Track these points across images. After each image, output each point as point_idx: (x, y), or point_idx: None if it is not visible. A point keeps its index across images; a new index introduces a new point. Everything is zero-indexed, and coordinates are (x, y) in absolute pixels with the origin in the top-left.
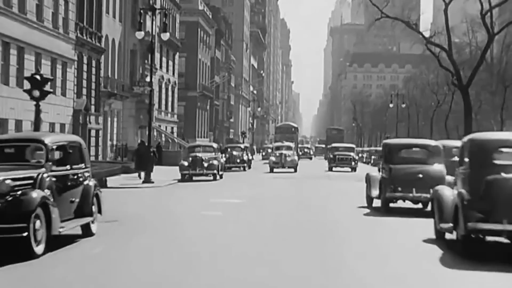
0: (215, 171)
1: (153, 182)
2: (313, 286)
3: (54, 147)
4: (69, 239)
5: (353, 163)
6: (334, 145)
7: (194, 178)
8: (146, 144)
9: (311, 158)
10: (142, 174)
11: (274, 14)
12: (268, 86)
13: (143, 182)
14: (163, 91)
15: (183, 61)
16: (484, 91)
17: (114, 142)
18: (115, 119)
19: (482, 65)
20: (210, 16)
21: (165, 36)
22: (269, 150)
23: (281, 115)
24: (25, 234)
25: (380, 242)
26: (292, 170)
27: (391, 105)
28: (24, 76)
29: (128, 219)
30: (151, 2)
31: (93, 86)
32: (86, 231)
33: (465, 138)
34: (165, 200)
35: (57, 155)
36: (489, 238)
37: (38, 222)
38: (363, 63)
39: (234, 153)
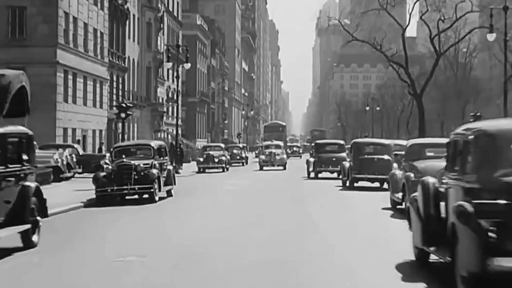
0: (224, 165)
1: (179, 173)
2: (288, 214)
3: None
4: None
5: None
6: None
7: (207, 170)
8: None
9: (300, 157)
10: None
11: (263, 17)
12: (259, 87)
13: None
14: (170, 98)
15: (184, 71)
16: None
17: None
18: (136, 125)
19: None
20: (206, 29)
21: (187, 66)
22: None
23: (271, 114)
24: None
25: (348, 207)
26: (282, 168)
27: (367, 108)
28: (114, 104)
29: (184, 191)
30: (161, 25)
31: (120, 99)
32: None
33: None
34: (199, 182)
35: None
36: None
37: None
38: (350, 64)
39: (235, 151)
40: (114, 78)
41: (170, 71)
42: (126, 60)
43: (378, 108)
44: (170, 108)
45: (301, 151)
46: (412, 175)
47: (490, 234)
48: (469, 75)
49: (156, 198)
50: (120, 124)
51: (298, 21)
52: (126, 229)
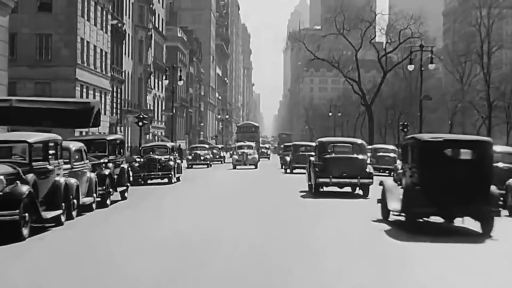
0: (208, 162)
1: None
2: (265, 185)
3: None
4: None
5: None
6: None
7: (194, 166)
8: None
9: (269, 158)
10: None
11: (236, 22)
12: (231, 90)
13: None
14: (156, 105)
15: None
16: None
17: (129, 144)
18: (129, 128)
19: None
20: (185, 39)
21: (180, 83)
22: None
23: (242, 116)
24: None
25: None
26: (253, 167)
27: (330, 114)
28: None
29: (187, 178)
30: (150, 41)
31: (119, 107)
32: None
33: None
34: (194, 174)
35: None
36: None
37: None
38: (319, 68)
39: (215, 151)
40: (114, 89)
41: (156, 81)
42: (123, 73)
43: (339, 114)
44: (156, 114)
45: (269, 153)
46: (321, 163)
47: None
48: (420, 88)
49: (173, 181)
50: (120, 128)
51: (270, 23)
52: (161, 198)
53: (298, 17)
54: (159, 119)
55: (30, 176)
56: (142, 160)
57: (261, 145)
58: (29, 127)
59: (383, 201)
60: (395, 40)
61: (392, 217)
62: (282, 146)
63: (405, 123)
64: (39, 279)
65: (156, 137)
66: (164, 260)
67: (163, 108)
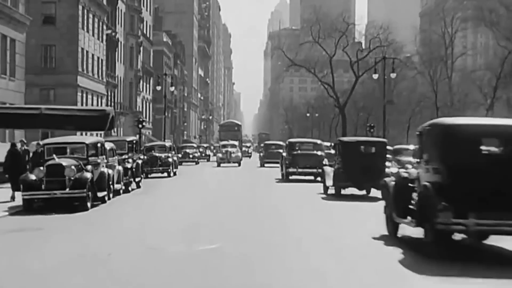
0: (196, 160)
1: None
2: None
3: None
4: None
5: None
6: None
7: (183, 164)
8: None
9: (250, 157)
10: None
11: (217, 24)
12: (212, 90)
13: None
14: (144, 106)
15: (155, 83)
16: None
17: None
18: (122, 129)
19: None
20: (170, 43)
21: (172, 89)
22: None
23: (223, 116)
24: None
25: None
26: (237, 164)
27: (308, 115)
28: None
29: (182, 173)
30: (140, 48)
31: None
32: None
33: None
34: (187, 169)
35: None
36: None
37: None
38: (299, 68)
39: (201, 150)
40: (109, 93)
41: (145, 84)
42: (116, 78)
43: (317, 115)
44: (144, 115)
45: (250, 151)
46: (290, 157)
47: None
48: (384, 94)
49: (171, 175)
50: (114, 129)
51: (251, 23)
52: (167, 187)
53: (278, 17)
54: (147, 120)
55: (89, 167)
56: (145, 157)
57: (243, 144)
58: (55, 130)
59: (323, 179)
60: (366, 48)
61: (331, 191)
62: (262, 145)
63: (372, 124)
64: (105, 229)
65: (144, 137)
66: (184, 217)
67: (151, 109)
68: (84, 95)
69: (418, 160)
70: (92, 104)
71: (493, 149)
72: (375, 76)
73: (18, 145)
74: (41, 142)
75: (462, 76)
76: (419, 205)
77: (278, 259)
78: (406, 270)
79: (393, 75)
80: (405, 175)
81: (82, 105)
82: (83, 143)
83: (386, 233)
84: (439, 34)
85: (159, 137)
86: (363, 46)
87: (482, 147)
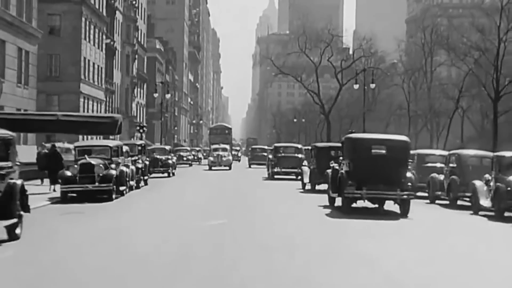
0: (190, 162)
1: None
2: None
3: None
4: None
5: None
6: (253, 146)
7: (178, 166)
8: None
9: (239, 160)
10: None
11: (206, 29)
12: (202, 94)
13: None
14: (139, 111)
15: (146, 86)
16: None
17: None
18: None
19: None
20: (163, 50)
21: (167, 96)
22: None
23: (212, 119)
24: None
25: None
26: (227, 168)
27: (295, 120)
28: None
29: (181, 174)
30: (135, 55)
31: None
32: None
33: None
34: (185, 171)
35: None
36: None
37: None
38: (287, 74)
39: (193, 153)
40: (107, 99)
41: (139, 90)
42: (114, 84)
43: (303, 120)
44: (140, 119)
45: (239, 155)
46: (275, 159)
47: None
48: (364, 103)
49: (171, 175)
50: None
51: (239, 27)
52: (170, 185)
53: (266, 21)
54: (140, 124)
55: (113, 166)
56: (147, 159)
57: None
58: (71, 134)
59: (301, 178)
60: (349, 58)
61: (308, 187)
62: (250, 149)
63: (353, 131)
64: (131, 212)
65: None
66: (192, 205)
67: (144, 114)
68: (86, 101)
69: (341, 158)
70: (92, 110)
71: (380, 151)
72: (356, 87)
73: (50, 146)
74: (47, 144)
75: (438, 86)
76: (339, 184)
77: (259, 225)
78: (328, 217)
79: (372, 86)
80: (336, 167)
81: (84, 110)
82: (108, 146)
83: (328, 204)
84: (419, 45)
85: (151, 140)
86: (350, 52)
87: (373, 150)
